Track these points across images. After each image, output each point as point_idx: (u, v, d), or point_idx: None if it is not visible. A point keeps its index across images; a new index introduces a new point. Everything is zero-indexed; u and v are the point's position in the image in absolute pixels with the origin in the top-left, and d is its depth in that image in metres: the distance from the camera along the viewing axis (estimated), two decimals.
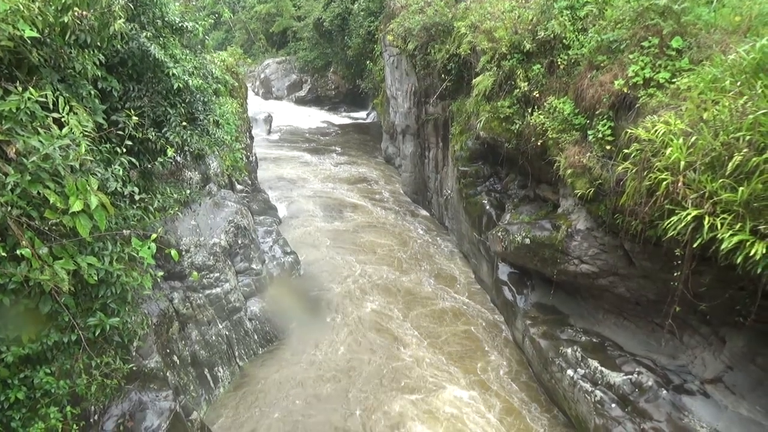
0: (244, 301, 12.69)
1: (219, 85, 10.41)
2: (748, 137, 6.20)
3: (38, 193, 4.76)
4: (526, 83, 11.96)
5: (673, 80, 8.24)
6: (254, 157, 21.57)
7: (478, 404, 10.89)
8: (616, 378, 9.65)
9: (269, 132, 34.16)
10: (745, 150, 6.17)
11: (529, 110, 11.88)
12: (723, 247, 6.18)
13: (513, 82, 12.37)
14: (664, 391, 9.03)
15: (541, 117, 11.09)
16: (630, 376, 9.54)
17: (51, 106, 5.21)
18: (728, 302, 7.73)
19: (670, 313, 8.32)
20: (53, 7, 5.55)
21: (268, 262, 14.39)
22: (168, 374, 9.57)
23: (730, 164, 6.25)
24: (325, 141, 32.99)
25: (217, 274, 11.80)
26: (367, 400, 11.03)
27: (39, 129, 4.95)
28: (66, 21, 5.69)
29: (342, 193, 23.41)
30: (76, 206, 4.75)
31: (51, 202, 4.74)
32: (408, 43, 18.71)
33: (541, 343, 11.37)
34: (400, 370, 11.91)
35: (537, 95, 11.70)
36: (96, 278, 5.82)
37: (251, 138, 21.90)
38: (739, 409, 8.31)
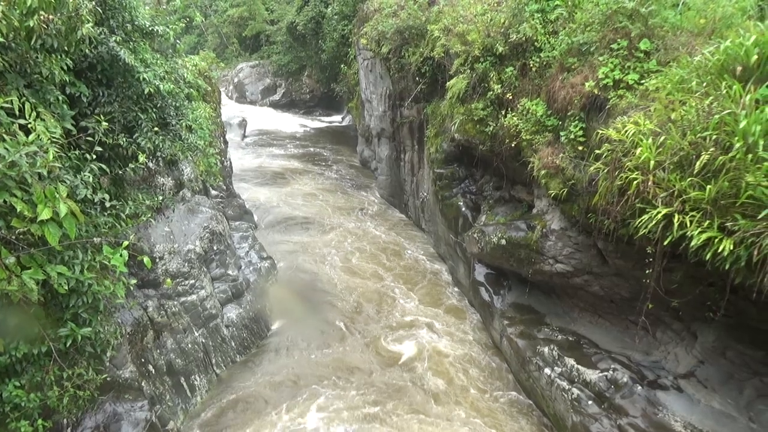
0: (221, 307, 12.53)
1: (191, 90, 10.32)
2: (714, 136, 6.35)
3: (4, 201, 4.64)
4: (499, 85, 12.08)
5: (642, 81, 8.41)
6: (229, 162, 21.35)
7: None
8: (592, 375, 9.78)
9: (244, 136, 33.84)
10: (711, 149, 6.32)
11: (503, 112, 12.00)
12: (692, 244, 6.32)
13: (486, 85, 12.49)
14: (639, 387, 9.19)
15: (515, 119, 11.21)
16: (605, 373, 9.68)
17: (17, 113, 5.10)
18: (699, 298, 7.90)
19: (643, 310, 8.49)
20: (18, 11, 5.43)
21: (245, 268, 14.25)
22: (143, 384, 9.41)
23: (698, 163, 6.39)
24: (301, 144, 32.82)
25: (192, 281, 11.63)
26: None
27: (4, 136, 4.82)
28: (31, 25, 5.58)
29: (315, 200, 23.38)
30: (45, 214, 4.65)
31: (18, 210, 4.62)
32: (382, 46, 18.74)
33: (518, 342, 11.47)
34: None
35: (510, 97, 11.82)
36: (66, 288, 5.71)
37: (225, 143, 21.69)
38: (711, 403, 8.49)
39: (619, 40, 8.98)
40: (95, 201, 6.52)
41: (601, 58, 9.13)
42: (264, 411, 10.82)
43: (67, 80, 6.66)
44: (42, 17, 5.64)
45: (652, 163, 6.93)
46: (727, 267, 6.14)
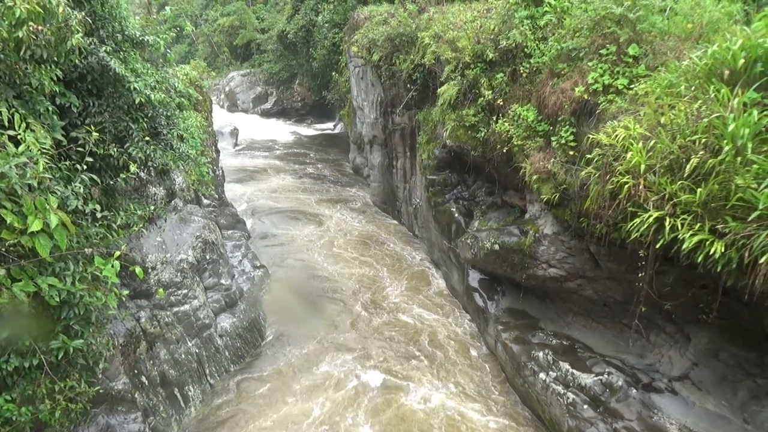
0: (214, 317, 12.46)
1: (182, 99, 10.28)
2: (703, 140, 6.41)
3: None
4: (490, 91, 12.14)
5: (631, 86, 8.48)
6: (221, 171, 21.32)
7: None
8: (587, 379, 9.79)
9: (235, 145, 33.81)
10: (701, 152, 6.37)
11: (494, 118, 12.06)
12: (684, 247, 6.35)
13: (477, 91, 12.54)
14: (634, 390, 9.20)
15: (506, 124, 11.26)
16: (600, 377, 9.69)
17: (6, 124, 5.07)
18: (691, 300, 7.94)
19: (637, 313, 8.51)
20: (7, 22, 5.41)
21: (238, 277, 14.19)
22: (136, 395, 9.33)
23: (688, 166, 6.44)
24: (293, 151, 32.90)
25: (185, 291, 11.56)
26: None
27: None
28: (21, 36, 5.55)
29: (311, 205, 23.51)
30: (35, 226, 4.61)
31: (8, 222, 4.59)
32: (373, 53, 18.81)
33: (513, 348, 11.47)
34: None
35: (501, 103, 11.88)
36: (58, 299, 5.67)
37: (217, 151, 21.65)
38: (706, 405, 8.51)
39: (607, 45, 9.05)
40: (86, 212, 6.48)
41: (590, 64, 9.20)
42: (263, 408, 10.96)
43: (57, 91, 6.63)
44: (31, 28, 5.62)
45: (642, 166, 6.98)
46: (718, 269, 6.17)
